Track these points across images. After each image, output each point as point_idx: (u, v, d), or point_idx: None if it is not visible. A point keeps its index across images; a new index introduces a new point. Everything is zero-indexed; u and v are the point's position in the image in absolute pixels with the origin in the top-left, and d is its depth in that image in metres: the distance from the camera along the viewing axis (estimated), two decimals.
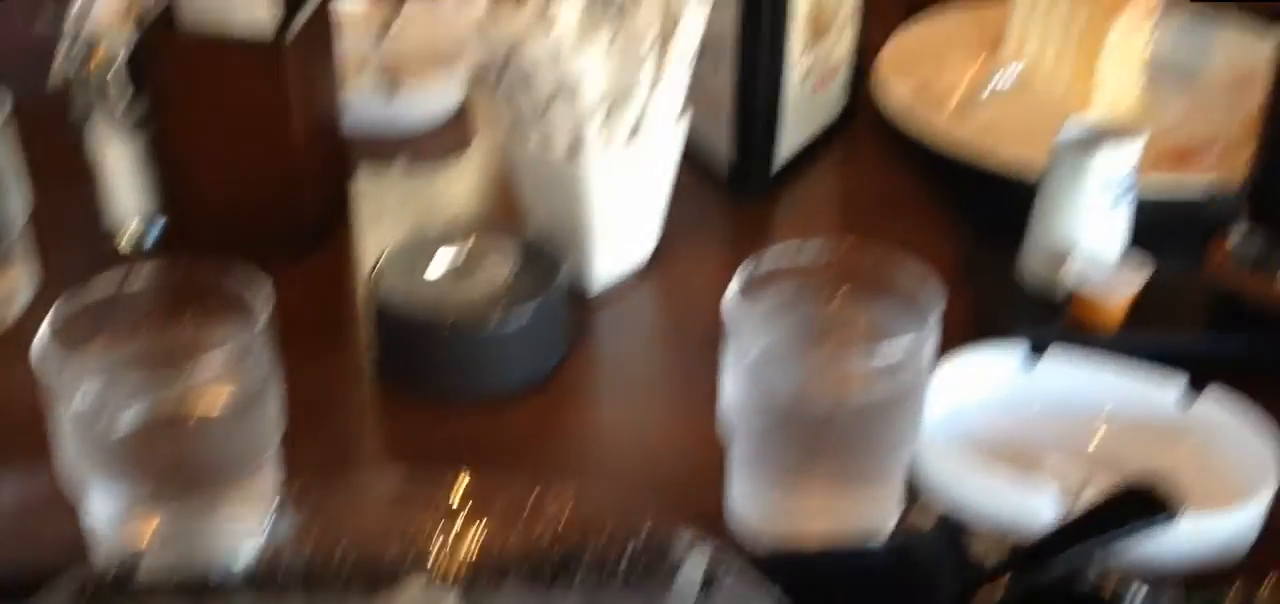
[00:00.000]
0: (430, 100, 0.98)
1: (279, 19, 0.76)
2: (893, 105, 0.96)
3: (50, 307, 0.75)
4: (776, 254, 0.60)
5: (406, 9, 1.12)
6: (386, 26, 1.07)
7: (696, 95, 0.80)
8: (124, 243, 0.81)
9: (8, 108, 0.71)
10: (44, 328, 0.56)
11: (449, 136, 0.98)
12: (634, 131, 0.76)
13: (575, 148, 0.75)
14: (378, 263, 0.72)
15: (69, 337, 0.57)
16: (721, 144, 0.90)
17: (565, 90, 0.73)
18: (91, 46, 0.77)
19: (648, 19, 0.75)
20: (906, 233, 0.87)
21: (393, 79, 0.98)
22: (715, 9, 0.79)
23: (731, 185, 0.90)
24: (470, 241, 0.74)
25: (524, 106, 0.75)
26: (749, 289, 0.59)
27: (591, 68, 0.72)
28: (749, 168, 0.90)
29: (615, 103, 0.74)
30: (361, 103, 0.93)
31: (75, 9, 1.11)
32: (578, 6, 0.75)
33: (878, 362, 0.56)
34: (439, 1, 1.13)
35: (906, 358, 0.56)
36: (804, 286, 0.61)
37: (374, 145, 0.94)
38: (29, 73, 1.01)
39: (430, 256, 0.73)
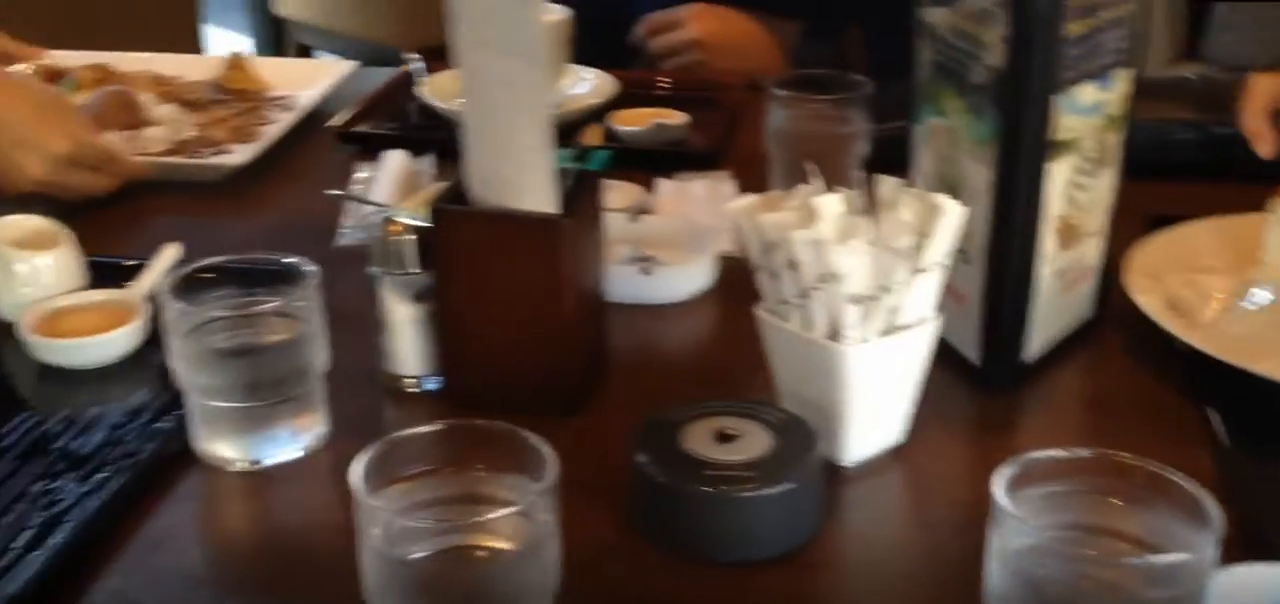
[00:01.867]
0: (682, 278, 1.03)
1: (560, 199, 0.82)
2: (1144, 310, 0.96)
3: (342, 443, 0.82)
4: (1044, 451, 0.61)
5: (660, 191, 1.18)
6: (641, 208, 1.14)
7: (952, 287, 0.82)
8: (404, 390, 0.88)
9: (317, 278, 0.79)
10: (357, 466, 0.61)
11: (700, 311, 1.02)
12: (890, 323, 0.79)
13: (835, 333, 0.78)
14: (639, 427, 0.76)
15: (376, 473, 0.62)
16: (972, 336, 0.92)
17: (827, 280, 0.76)
18: (388, 218, 0.84)
19: (906, 219, 0.78)
20: (1160, 438, 0.86)
21: (647, 256, 1.04)
22: (971, 208, 0.81)
23: (981, 377, 0.91)
24: (727, 410, 0.77)
25: (787, 290, 0.79)
26: (1018, 483, 0.60)
27: (853, 261, 0.76)
28: (998, 362, 0.91)
29: (874, 295, 0.77)
30: (618, 276, 0.99)
31: (360, 179, 1.22)
32: (840, 203, 0.78)
33: (1155, 573, 0.56)
34: (690, 187, 1.19)
35: (1183, 573, 0.56)
36: (1073, 486, 0.61)
37: (629, 315, 0.99)
38: (313, 233, 1.11)
39: (690, 423, 0.76)
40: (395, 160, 1.22)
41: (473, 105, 0.82)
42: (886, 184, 0.82)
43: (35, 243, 0.98)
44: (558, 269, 0.82)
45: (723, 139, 1.33)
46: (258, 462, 0.80)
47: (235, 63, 1.47)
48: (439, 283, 0.84)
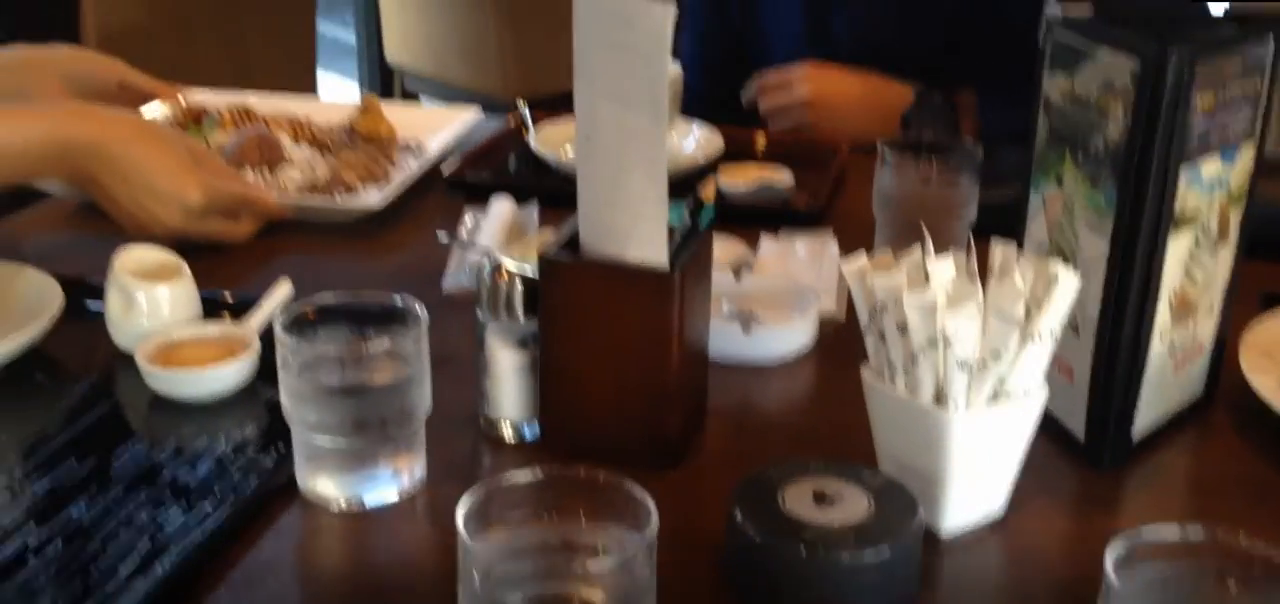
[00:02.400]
0: (782, 338, 1.02)
1: (670, 251, 0.82)
2: (1258, 391, 0.93)
3: (439, 486, 0.83)
4: (1157, 528, 0.60)
5: (763, 249, 1.18)
6: (744, 264, 1.14)
7: (1059, 360, 0.80)
8: (504, 437, 0.88)
9: (425, 321, 0.80)
10: (461, 509, 0.62)
11: (800, 372, 1.02)
12: (998, 392, 0.78)
13: (941, 398, 0.77)
14: (737, 484, 0.75)
15: (477, 517, 0.62)
16: (1079, 412, 0.90)
17: (937, 344, 0.76)
18: (496, 265, 0.85)
19: (1019, 286, 0.77)
20: (1274, 523, 0.84)
21: (748, 314, 1.04)
22: (1084, 279, 0.80)
23: (1087, 452, 0.89)
24: (826, 471, 0.77)
25: (894, 352, 0.78)
26: (1128, 560, 0.59)
27: (964, 327, 0.75)
28: (1105, 437, 0.89)
29: (983, 362, 0.76)
30: (719, 332, 0.99)
31: (468, 225, 1.23)
32: (952, 267, 0.77)
33: None
34: (793, 246, 1.19)
35: None
36: (1186, 567, 0.60)
37: (728, 372, 0.99)
38: (424, 276, 1.13)
39: (789, 482, 0.76)
40: (501, 207, 1.23)
41: (590, 155, 0.83)
42: (1000, 249, 0.81)
43: (156, 274, 1.01)
44: (665, 322, 0.82)
45: (828, 199, 1.33)
46: (358, 501, 0.81)
47: (368, 106, 1.51)
48: (544, 331, 0.84)
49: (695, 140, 1.47)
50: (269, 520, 0.80)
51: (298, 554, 0.80)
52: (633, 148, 0.80)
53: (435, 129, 1.50)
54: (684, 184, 1.36)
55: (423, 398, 0.81)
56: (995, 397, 0.78)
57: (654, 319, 0.82)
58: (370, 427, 0.79)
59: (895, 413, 0.80)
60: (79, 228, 1.27)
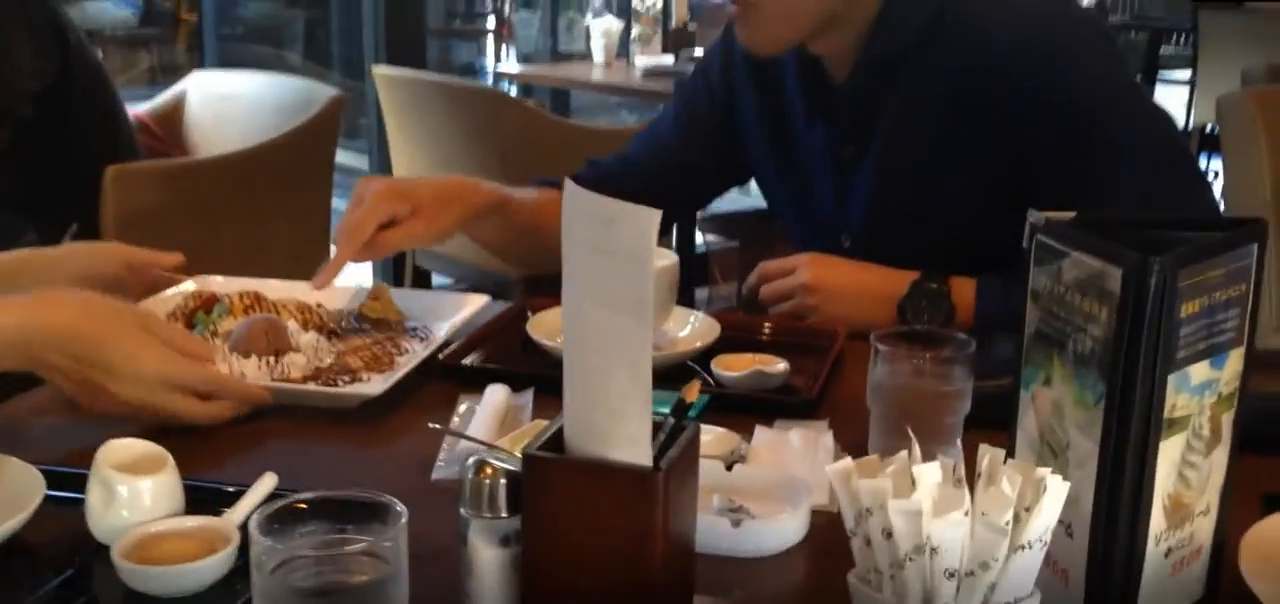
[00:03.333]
0: (772, 533, 1.01)
1: (654, 450, 0.81)
2: (1260, 597, 0.91)
3: None
4: None
5: (756, 440, 1.17)
6: (736, 456, 1.13)
7: (1053, 561, 0.79)
8: None
9: (404, 519, 0.79)
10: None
11: (790, 567, 1.00)
12: (987, 600, 0.76)
13: None
14: None
15: None
16: None
17: (923, 552, 0.74)
18: (480, 461, 0.84)
19: (1007, 494, 0.76)
20: None
21: (738, 507, 1.02)
22: (1076, 479, 0.79)
23: None
24: None
25: (880, 559, 0.77)
26: None
27: (950, 534, 0.73)
28: None
29: (971, 571, 0.75)
30: (707, 526, 0.97)
31: (461, 412, 1.23)
32: (939, 472, 0.77)
33: None
34: (787, 437, 1.18)
35: None
36: None
37: (716, 567, 0.97)
38: (417, 465, 1.12)
39: None
40: (495, 395, 1.23)
41: (574, 353, 0.83)
42: (988, 454, 0.80)
43: (139, 466, 1.00)
44: (649, 522, 0.81)
45: (823, 388, 1.32)
46: None
47: (377, 293, 1.51)
48: (527, 529, 0.83)
49: (692, 327, 1.48)
50: None
51: None
52: (616, 349, 0.80)
53: (446, 315, 1.50)
54: (680, 372, 1.37)
55: (400, 598, 0.80)
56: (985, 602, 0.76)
57: (637, 519, 0.81)
58: None
59: None
60: (71, 414, 1.27)
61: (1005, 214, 1.53)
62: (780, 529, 1.01)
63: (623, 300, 0.80)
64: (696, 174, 1.80)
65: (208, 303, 1.45)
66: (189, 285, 1.52)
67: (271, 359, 1.33)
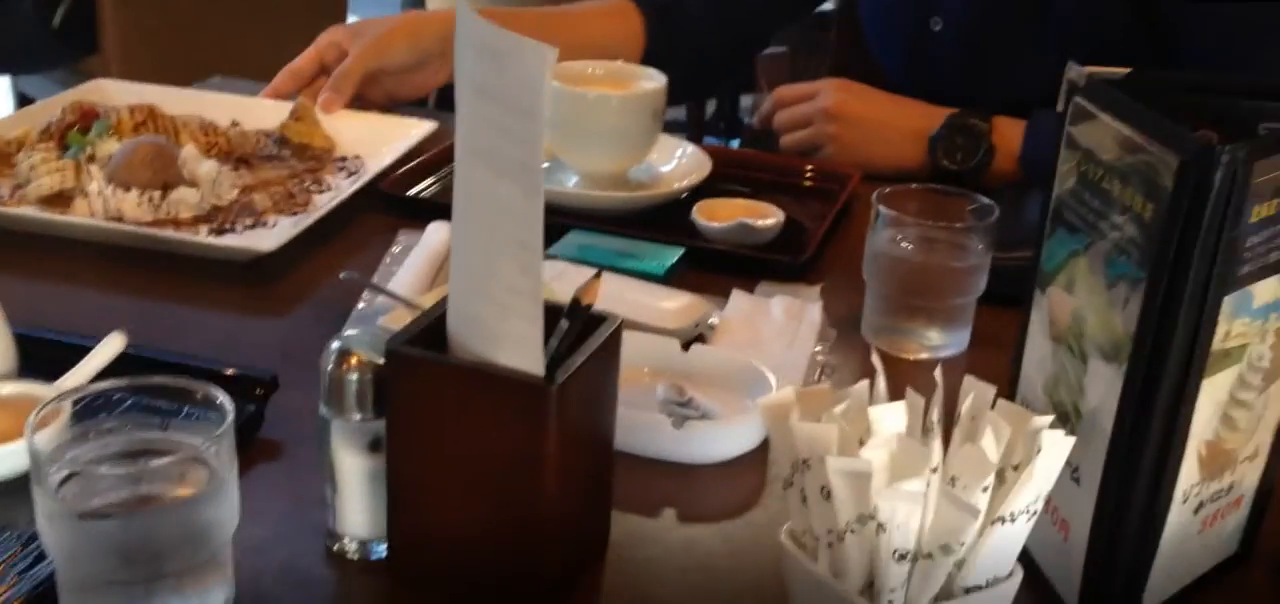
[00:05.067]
0: (721, 438, 0.84)
1: (549, 358, 0.65)
2: None
3: None
4: None
5: (728, 309, 1.00)
6: (700, 327, 0.96)
7: (1053, 508, 0.62)
8: (347, 555, 0.72)
9: (230, 418, 0.63)
10: None
11: (740, 480, 0.83)
12: (951, 586, 0.59)
13: (874, 591, 0.59)
14: None
15: None
16: (1072, 577, 0.71)
17: (866, 523, 0.57)
18: (345, 352, 0.68)
19: (987, 458, 0.58)
20: None
21: (683, 404, 0.86)
22: (1089, 417, 0.61)
23: None
24: None
25: (816, 521, 0.60)
26: None
27: (902, 510, 0.56)
28: None
29: (930, 553, 0.58)
30: (641, 425, 0.81)
31: (394, 252, 1.06)
32: (902, 418, 0.59)
33: None
34: (767, 305, 1.00)
35: None
36: None
37: (653, 474, 0.81)
38: (328, 324, 0.95)
39: None
40: (436, 235, 1.06)
41: (460, 225, 0.66)
42: (973, 393, 0.62)
43: None
44: (539, 443, 0.65)
45: (821, 247, 1.14)
46: None
47: (300, 111, 1.31)
48: (391, 438, 0.67)
49: (679, 162, 1.29)
50: None
51: None
52: (503, 226, 0.63)
53: (384, 143, 1.29)
54: (664, 216, 1.19)
55: (221, 516, 0.64)
56: (947, 593, 0.60)
57: (526, 439, 0.65)
58: (141, 559, 0.62)
59: (816, 596, 0.62)
60: None
61: (1133, 26, 1.32)
62: (732, 433, 0.83)
63: (511, 162, 0.62)
64: None
65: (87, 119, 1.24)
66: (67, 95, 1.32)
67: (155, 194, 1.11)
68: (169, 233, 1.08)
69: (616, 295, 0.89)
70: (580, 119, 1.21)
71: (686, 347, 0.91)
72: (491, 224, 0.63)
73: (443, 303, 0.68)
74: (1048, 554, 0.72)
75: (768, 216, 1.14)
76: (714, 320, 0.98)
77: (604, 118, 1.21)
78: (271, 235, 1.08)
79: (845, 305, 1.03)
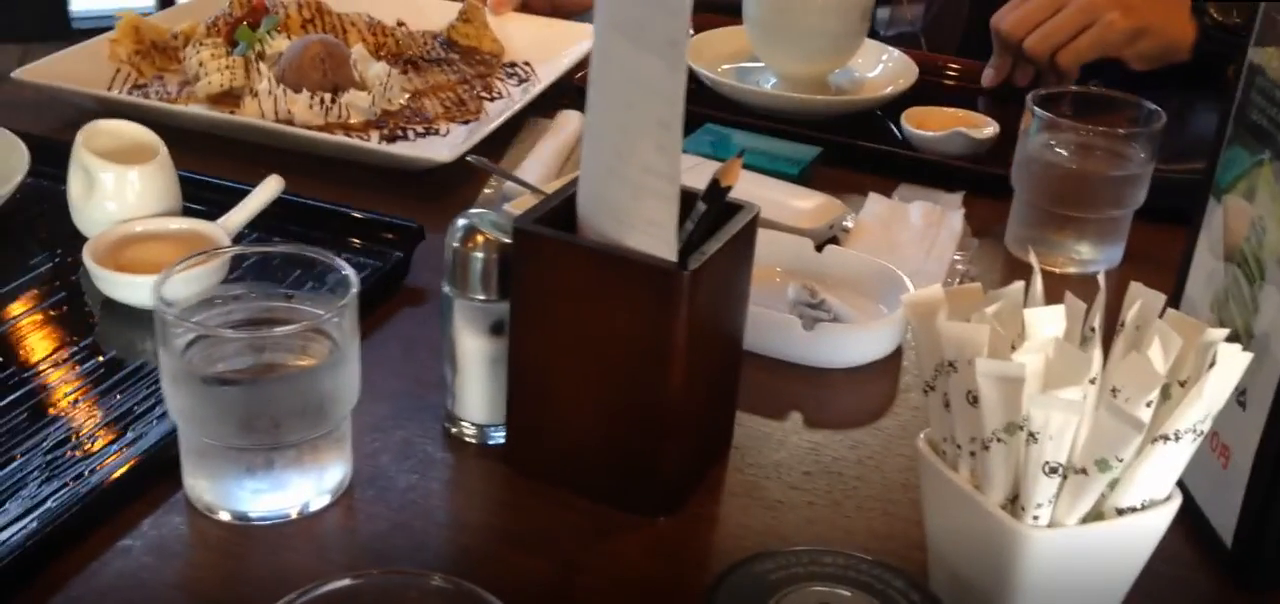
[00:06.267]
0: (852, 343, 0.80)
1: (682, 243, 0.61)
2: None
3: (365, 498, 0.65)
4: None
5: (865, 211, 0.96)
6: (836, 229, 0.92)
7: (1213, 434, 0.57)
8: (465, 438, 0.70)
9: (355, 290, 0.62)
10: None
11: (873, 387, 0.80)
12: (1102, 505, 0.55)
13: (1018, 505, 0.55)
14: (717, 583, 0.55)
15: None
16: (1232, 505, 0.66)
17: (1016, 433, 0.53)
18: (472, 229, 0.66)
19: (1154, 369, 0.54)
20: None
21: (818, 302, 0.82)
22: (1264, 339, 0.56)
23: (1234, 564, 0.66)
24: (845, 575, 0.56)
25: (960, 430, 0.56)
26: None
27: (1057, 420, 0.52)
28: (1262, 548, 0.65)
29: (1084, 468, 0.54)
30: (771, 324, 0.78)
31: (505, 160, 1.02)
32: (1060, 321, 0.55)
33: None
34: (905, 211, 0.96)
35: None
36: None
37: (779, 376, 0.78)
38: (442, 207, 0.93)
39: (788, 587, 0.55)
40: (570, 125, 1.03)
41: (595, 106, 0.63)
42: (1139, 301, 0.58)
43: (127, 155, 0.86)
44: (666, 334, 0.62)
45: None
46: (242, 515, 0.64)
47: (469, 14, 1.27)
48: (514, 320, 0.65)
49: (883, 68, 1.23)
50: (150, 505, 0.64)
51: (159, 566, 0.61)
52: (643, 102, 0.59)
53: (558, 51, 1.23)
54: (863, 123, 1.14)
55: (342, 389, 0.63)
56: (1097, 513, 0.55)
57: (654, 327, 0.62)
58: (261, 427, 0.61)
59: (954, 507, 0.58)
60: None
61: None
62: (865, 337, 0.80)
63: (654, 33, 0.58)
64: None
65: (256, 14, 1.21)
66: None
67: (327, 97, 1.09)
68: (342, 138, 1.06)
69: (749, 194, 0.86)
70: (785, 15, 1.16)
71: (820, 248, 0.87)
72: (630, 101, 0.60)
73: (573, 184, 0.66)
74: (1203, 482, 0.67)
75: (984, 127, 1.08)
76: (849, 223, 0.94)
77: (810, 14, 1.15)
78: (445, 144, 1.05)
79: (990, 213, 0.98)
